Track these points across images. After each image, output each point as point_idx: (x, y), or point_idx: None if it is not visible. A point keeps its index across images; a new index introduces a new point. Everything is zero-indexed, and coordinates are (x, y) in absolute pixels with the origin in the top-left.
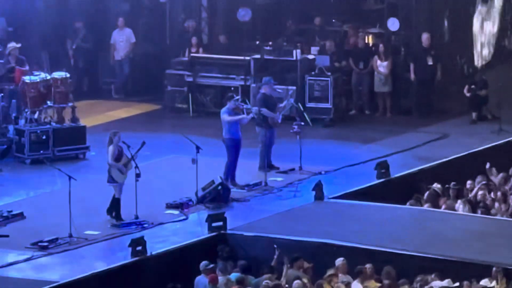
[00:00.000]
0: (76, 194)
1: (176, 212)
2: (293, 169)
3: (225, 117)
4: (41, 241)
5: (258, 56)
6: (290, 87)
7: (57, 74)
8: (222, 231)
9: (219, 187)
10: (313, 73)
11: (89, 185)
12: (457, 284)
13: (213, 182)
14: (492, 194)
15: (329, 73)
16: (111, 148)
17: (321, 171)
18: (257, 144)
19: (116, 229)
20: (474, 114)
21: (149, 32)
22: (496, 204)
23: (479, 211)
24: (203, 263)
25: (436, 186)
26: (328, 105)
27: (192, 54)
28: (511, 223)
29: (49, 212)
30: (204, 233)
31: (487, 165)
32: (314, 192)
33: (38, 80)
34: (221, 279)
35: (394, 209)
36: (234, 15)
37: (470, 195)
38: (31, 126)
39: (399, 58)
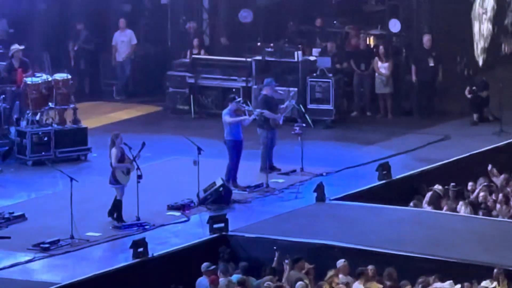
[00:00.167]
0: (78, 195)
1: (177, 213)
2: (294, 171)
3: (226, 118)
4: (43, 243)
5: (259, 57)
6: (291, 89)
7: (59, 76)
8: (224, 233)
9: (221, 189)
10: (314, 74)
11: (90, 186)
12: (458, 286)
13: (214, 183)
14: (493, 195)
15: (330, 75)
16: (114, 150)
17: (322, 172)
18: (258, 145)
19: (117, 230)
20: (475, 116)
21: (150, 33)
22: (498, 206)
23: (480, 213)
24: (205, 264)
25: (437, 187)
26: (329, 107)
27: (193, 56)
28: None
29: (51, 214)
30: (205, 235)
31: (489, 167)
32: (315, 194)
33: (39, 81)
34: (222, 280)
35: (396, 211)
36: (236, 17)
37: (471, 197)
38: (33, 128)
39: (401, 60)
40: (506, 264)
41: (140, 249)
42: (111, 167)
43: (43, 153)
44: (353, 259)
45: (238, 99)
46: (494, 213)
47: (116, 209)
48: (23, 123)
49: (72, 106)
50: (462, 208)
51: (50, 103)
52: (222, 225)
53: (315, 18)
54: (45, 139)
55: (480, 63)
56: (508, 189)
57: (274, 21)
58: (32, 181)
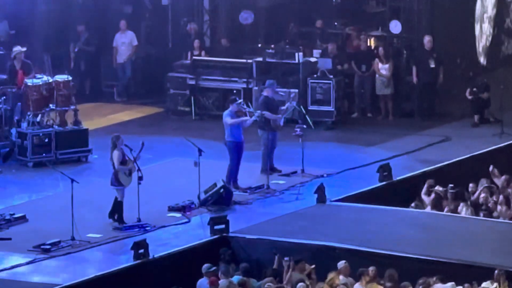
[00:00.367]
0: (79, 197)
1: (178, 215)
2: (295, 172)
3: (227, 120)
4: (44, 244)
5: (260, 59)
6: (292, 90)
7: (60, 77)
8: (224, 234)
9: (221, 190)
10: (315, 76)
11: (91, 188)
12: (459, 287)
13: (215, 185)
14: (494, 197)
15: (331, 76)
16: (116, 152)
17: (323, 174)
18: (259, 147)
19: (118, 232)
20: (476, 117)
21: (151, 35)
22: (499, 207)
23: (481, 214)
24: (205, 266)
25: (438, 189)
26: (330, 108)
27: (194, 57)
28: None
29: (52, 215)
30: (206, 236)
31: (491, 168)
32: (316, 195)
33: (40, 83)
34: (223, 282)
35: (396, 212)
36: (237, 18)
37: (472, 198)
38: (34, 129)
39: (401, 61)
40: (507, 265)
41: (141, 251)
42: (113, 169)
43: (44, 154)
44: (354, 260)
45: (239, 101)
46: (495, 214)
47: (117, 210)
48: (24, 125)
49: (72, 107)
50: (463, 210)
51: (50, 105)
52: (223, 226)
53: (316, 19)
54: (46, 140)
55: (483, 62)
56: (509, 190)
57: (275, 22)
58: (32, 183)
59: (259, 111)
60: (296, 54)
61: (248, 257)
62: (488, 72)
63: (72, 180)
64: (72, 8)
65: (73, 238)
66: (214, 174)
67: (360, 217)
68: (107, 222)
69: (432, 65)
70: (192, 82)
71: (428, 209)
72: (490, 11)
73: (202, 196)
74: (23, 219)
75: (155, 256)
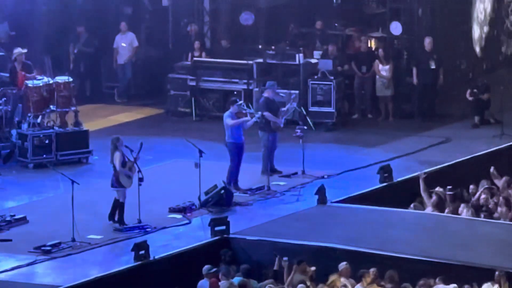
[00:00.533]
0: (79, 198)
1: (179, 216)
2: (296, 173)
3: (228, 121)
4: (44, 246)
5: (260, 60)
6: (292, 91)
7: (60, 78)
8: (225, 235)
9: (222, 191)
10: (315, 77)
11: (92, 189)
12: None
13: (216, 186)
14: (494, 198)
15: (331, 77)
16: (117, 154)
17: (323, 175)
18: (260, 148)
19: (119, 233)
20: (476, 118)
21: (151, 36)
22: (499, 208)
23: (482, 215)
24: (206, 267)
25: (439, 190)
26: (330, 109)
27: (194, 58)
28: None
29: (52, 217)
30: (207, 237)
31: (491, 169)
32: (317, 196)
33: (41, 84)
34: (224, 283)
35: (397, 213)
36: (237, 19)
37: (472, 199)
38: (34, 130)
39: (402, 62)
40: (508, 267)
41: (142, 252)
42: (114, 171)
43: (44, 155)
44: (354, 262)
45: (239, 102)
46: (495, 215)
47: (117, 211)
48: (25, 126)
49: (73, 108)
50: (463, 211)
51: (51, 106)
52: (223, 227)
53: (316, 20)
54: (47, 141)
55: (484, 64)
56: (510, 191)
57: (275, 23)
58: (33, 184)
59: (259, 112)
60: (297, 55)
61: (248, 258)
62: (488, 73)
63: (73, 182)
64: (72, 10)
65: (73, 240)
66: (214, 175)
67: (361, 218)
68: (107, 224)
69: (433, 66)
70: (193, 83)
71: (429, 209)
72: (488, 12)
73: (203, 197)
74: (23, 220)
75: (156, 257)
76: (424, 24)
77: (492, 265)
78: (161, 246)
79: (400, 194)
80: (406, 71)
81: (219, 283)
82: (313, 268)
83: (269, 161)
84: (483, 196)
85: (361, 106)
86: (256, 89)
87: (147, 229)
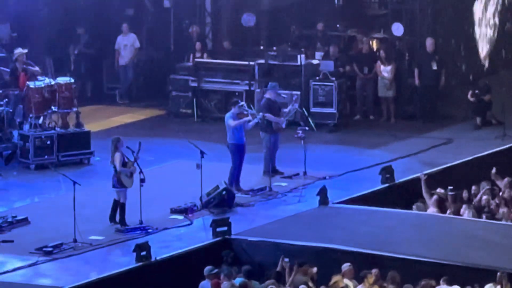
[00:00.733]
0: (81, 199)
1: (180, 217)
2: (297, 174)
3: (230, 122)
4: (46, 246)
5: (262, 61)
6: (294, 92)
7: (62, 80)
8: (227, 236)
9: (224, 192)
10: (317, 78)
11: (93, 190)
12: None
13: (217, 187)
14: (496, 199)
15: (333, 78)
16: (118, 155)
17: (325, 176)
18: (261, 149)
19: (120, 234)
20: (478, 119)
21: (153, 37)
22: (501, 209)
23: (484, 216)
24: (208, 268)
25: (440, 191)
26: (332, 110)
27: (196, 59)
28: None
29: (54, 217)
30: (208, 238)
31: (493, 170)
32: (318, 197)
33: (42, 85)
34: (226, 284)
35: (399, 214)
36: (239, 20)
37: (474, 200)
38: (36, 131)
39: (403, 63)
40: (509, 268)
41: (143, 253)
42: (114, 172)
43: (46, 156)
44: (356, 263)
45: (241, 103)
46: (497, 216)
47: (118, 212)
48: (26, 127)
49: (75, 110)
50: (465, 212)
51: (53, 107)
52: (225, 228)
53: (317, 22)
54: (48, 142)
55: (486, 66)
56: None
57: (277, 25)
58: (35, 185)
59: (261, 113)
60: (298, 56)
61: (250, 259)
62: (490, 75)
63: (74, 182)
64: (74, 11)
65: (75, 241)
66: (216, 176)
67: (362, 219)
68: (109, 225)
69: (434, 68)
70: (194, 84)
71: (431, 209)
72: (491, 13)
73: (204, 198)
74: (25, 221)
75: (157, 258)
76: (425, 25)
77: (494, 266)
78: (163, 247)
79: (401, 195)
80: (408, 72)
81: (221, 284)
82: (315, 269)
83: (271, 162)
84: (484, 197)
85: (362, 107)
86: (258, 90)
87: (149, 230)
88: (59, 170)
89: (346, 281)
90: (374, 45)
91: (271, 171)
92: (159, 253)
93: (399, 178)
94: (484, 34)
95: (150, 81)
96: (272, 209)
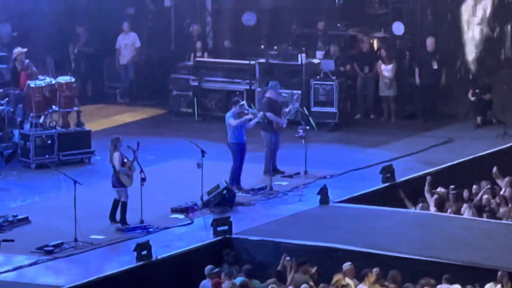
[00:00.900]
0: (82, 198)
1: (181, 216)
2: (298, 173)
3: (231, 121)
4: (47, 246)
5: (263, 60)
6: (295, 91)
7: (62, 79)
8: (227, 236)
9: (224, 191)
10: (318, 77)
11: (94, 189)
12: None
13: (218, 186)
14: (497, 198)
15: (334, 77)
16: (117, 154)
17: (326, 175)
18: (262, 148)
19: (121, 233)
20: (478, 119)
21: (154, 36)
22: (501, 208)
23: (484, 215)
24: (208, 267)
25: (440, 190)
26: (333, 109)
27: (197, 59)
28: None
29: (55, 217)
30: (209, 238)
31: (494, 169)
32: (319, 196)
33: (43, 84)
34: (226, 283)
35: (399, 213)
36: (239, 20)
37: (475, 199)
38: (36, 131)
39: (404, 63)
40: (510, 267)
41: (144, 252)
42: (114, 171)
43: (46, 156)
44: (357, 262)
45: (242, 102)
46: (498, 215)
47: (119, 211)
48: (27, 126)
49: (75, 109)
50: (465, 211)
51: (53, 106)
52: (225, 227)
53: (318, 21)
54: (49, 142)
55: (473, 70)
56: None
57: (278, 24)
58: (35, 184)
59: (261, 113)
60: (299, 55)
61: (251, 258)
62: (490, 74)
63: (75, 182)
64: (74, 10)
65: (76, 240)
66: (217, 175)
67: (363, 219)
68: (109, 224)
69: (435, 67)
70: (195, 83)
71: (431, 209)
72: (482, 17)
73: (205, 198)
74: (26, 220)
75: (158, 257)
76: (426, 24)
77: (494, 265)
78: (163, 246)
79: (402, 194)
80: (409, 72)
81: (222, 284)
82: (315, 269)
83: (272, 161)
84: (485, 196)
85: (363, 106)
86: (259, 89)
87: (150, 229)
88: (60, 169)
89: (347, 280)
90: (375, 44)
91: (272, 170)
92: (159, 252)
93: (400, 177)
94: (471, 38)
95: (150, 80)
96: (273, 208)
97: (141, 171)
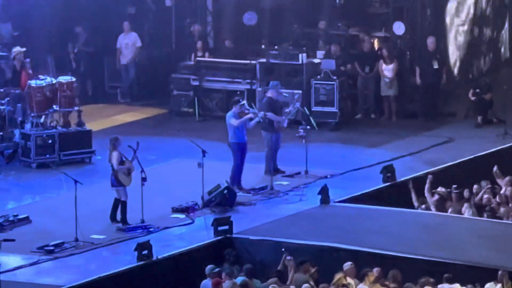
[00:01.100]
0: (82, 198)
1: (182, 216)
2: (299, 173)
3: (232, 121)
4: (47, 245)
5: (264, 60)
6: (296, 91)
7: (63, 78)
8: (228, 235)
9: (225, 191)
10: (318, 77)
11: (95, 189)
12: None
13: (219, 186)
14: (497, 197)
15: (334, 77)
16: (115, 153)
17: (326, 175)
18: (262, 148)
19: (122, 233)
20: (479, 118)
21: (155, 36)
22: (502, 208)
23: (485, 215)
24: (209, 267)
25: (441, 190)
26: (334, 109)
27: (198, 58)
28: None
29: (55, 216)
30: (210, 237)
31: (495, 168)
32: (319, 196)
33: (44, 84)
34: (227, 283)
35: (400, 213)
36: (240, 19)
37: (475, 199)
38: (37, 130)
39: (405, 62)
40: (510, 266)
41: (145, 252)
42: (112, 170)
43: (47, 155)
44: (357, 261)
45: (242, 102)
46: (498, 215)
47: (119, 211)
48: (28, 126)
49: (76, 108)
50: (466, 211)
51: (54, 106)
52: (226, 227)
53: (319, 20)
54: (50, 141)
55: (456, 74)
56: None
57: (278, 23)
58: (36, 184)
59: (262, 112)
60: (300, 55)
61: (251, 258)
62: (491, 73)
63: (76, 181)
64: (75, 10)
65: (76, 239)
66: (217, 175)
67: (364, 218)
68: (110, 223)
69: (435, 66)
70: (196, 83)
71: (432, 209)
72: (462, 20)
73: (206, 197)
74: (26, 220)
75: (159, 257)
76: (427, 24)
77: (495, 265)
78: (164, 246)
79: (403, 193)
80: (409, 71)
81: (222, 283)
82: (315, 268)
83: (272, 161)
84: (485, 196)
85: (364, 106)
86: (259, 89)
87: (150, 229)
88: (61, 169)
89: (348, 279)
90: (376, 44)
91: (273, 170)
92: (160, 252)
93: (400, 177)
94: (453, 40)
95: (151, 80)
96: (274, 208)
97: (142, 170)
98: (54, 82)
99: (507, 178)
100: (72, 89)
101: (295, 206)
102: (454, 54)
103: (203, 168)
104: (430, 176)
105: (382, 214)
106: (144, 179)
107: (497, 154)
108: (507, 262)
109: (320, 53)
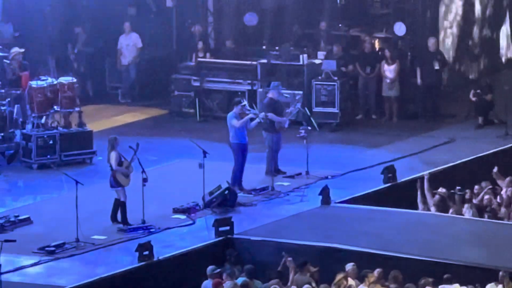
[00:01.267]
0: (83, 198)
1: (183, 216)
2: (299, 174)
3: (234, 122)
4: (48, 246)
5: (265, 60)
6: (297, 92)
7: (64, 79)
8: (229, 236)
9: (226, 192)
10: (319, 77)
11: (95, 189)
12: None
13: (220, 186)
14: (498, 198)
15: (335, 78)
16: (114, 154)
17: (327, 175)
18: (264, 148)
19: (123, 233)
20: (480, 119)
21: (155, 37)
22: (503, 209)
23: (486, 216)
24: (210, 267)
25: (442, 190)
26: (335, 110)
27: (199, 59)
28: None
29: (56, 217)
30: (211, 238)
31: (495, 169)
32: (320, 197)
33: (44, 85)
34: (228, 284)
35: (401, 214)
36: (241, 20)
37: (476, 200)
38: (38, 131)
39: (406, 63)
40: (511, 267)
41: (146, 252)
42: (111, 171)
43: (48, 156)
44: (358, 262)
45: (243, 103)
46: (499, 216)
47: (120, 211)
48: (29, 127)
49: (77, 109)
50: (466, 211)
51: (55, 107)
52: (227, 228)
53: (320, 21)
54: (51, 142)
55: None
56: None
57: (279, 24)
58: (37, 185)
59: (263, 113)
60: (301, 56)
61: (252, 258)
62: (492, 74)
63: (77, 182)
64: (76, 10)
65: (77, 240)
66: (218, 175)
67: (365, 219)
68: (111, 224)
69: (437, 67)
70: (197, 84)
71: (432, 209)
72: (450, 21)
73: (207, 198)
74: (27, 221)
75: (160, 258)
76: (428, 25)
77: (495, 266)
78: (165, 247)
79: (404, 194)
80: (410, 72)
81: (223, 284)
82: (316, 269)
83: (273, 162)
84: (486, 196)
85: (365, 106)
86: (260, 90)
87: (151, 230)
88: (62, 169)
89: (350, 281)
90: (377, 44)
91: (274, 170)
92: (161, 253)
93: (401, 178)
94: (442, 40)
95: (152, 80)
96: (275, 208)
97: (143, 171)
98: (55, 82)
99: (508, 179)
100: (73, 89)
101: (296, 207)
102: (454, 55)
103: (204, 169)
104: (426, 175)
105: (383, 214)
106: (145, 180)
107: (498, 154)
108: (508, 263)
109: (321, 54)
